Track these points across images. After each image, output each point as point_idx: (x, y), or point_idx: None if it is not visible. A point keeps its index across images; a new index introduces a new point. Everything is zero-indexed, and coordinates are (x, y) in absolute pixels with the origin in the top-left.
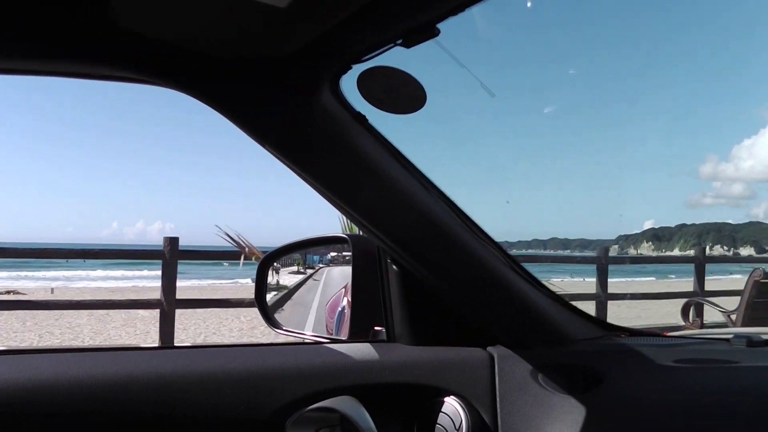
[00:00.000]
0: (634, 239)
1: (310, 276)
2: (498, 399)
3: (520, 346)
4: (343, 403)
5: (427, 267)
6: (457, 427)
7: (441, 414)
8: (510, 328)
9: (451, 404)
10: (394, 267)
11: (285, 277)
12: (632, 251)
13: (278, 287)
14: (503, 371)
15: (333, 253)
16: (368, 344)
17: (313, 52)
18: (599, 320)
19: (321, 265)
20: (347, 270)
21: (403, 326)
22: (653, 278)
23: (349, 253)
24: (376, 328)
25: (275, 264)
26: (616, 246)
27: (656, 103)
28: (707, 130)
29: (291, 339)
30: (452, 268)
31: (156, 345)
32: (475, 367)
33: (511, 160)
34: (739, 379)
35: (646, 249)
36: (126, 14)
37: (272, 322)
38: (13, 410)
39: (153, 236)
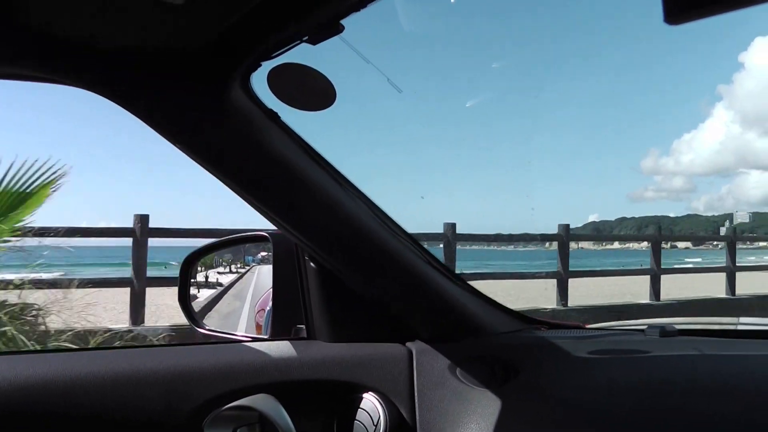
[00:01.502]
0: (574, 233)
1: (242, 275)
2: (416, 394)
3: (439, 340)
4: (260, 401)
5: (343, 264)
6: (375, 422)
7: (359, 410)
8: (429, 323)
9: (370, 400)
10: (312, 264)
11: (213, 277)
12: (573, 245)
13: (208, 285)
14: (421, 366)
15: (264, 253)
16: (287, 342)
17: (221, 48)
18: (519, 314)
19: (254, 264)
20: None
21: (323, 323)
22: None
23: None
24: (298, 325)
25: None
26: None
27: (594, 97)
28: (649, 124)
29: (212, 338)
30: (369, 264)
31: (71, 347)
32: (393, 363)
33: (451, 158)
34: (651, 369)
35: (587, 243)
36: (27, 12)
37: (196, 322)
38: None
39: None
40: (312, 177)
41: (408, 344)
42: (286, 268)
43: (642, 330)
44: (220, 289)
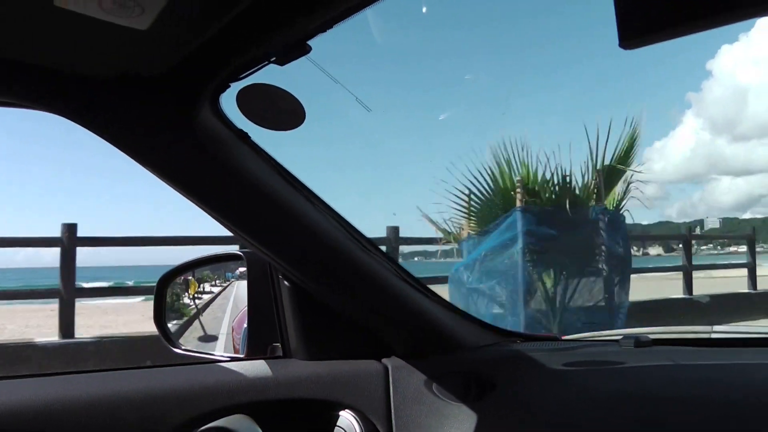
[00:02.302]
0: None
1: (220, 293)
2: (393, 410)
3: (414, 356)
4: (236, 422)
5: (316, 282)
6: None
7: (336, 428)
8: (404, 339)
9: (346, 418)
10: (286, 283)
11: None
12: None
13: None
14: (397, 382)
15: (242, 269)
16: (263, 361)
17: (187, 71)
18: (494, 327)
19: (232, 280)
20: None
21: (298, 341)
22: None
23: None
24: (274, 344)
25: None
26: None
27: (563, 108)
28: (618, 131)
29: (186, 359)
30: (342, 281)
31: (38, 372)
32: (369, 380)
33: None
34: (625, 379)
35: None
36: None
37: (171, 342)
38: None
39: (46, 259)
40: (283, 195)
41: (384, 360)
42: (260, 287)
43: (617, 341)
44: (201, 305)
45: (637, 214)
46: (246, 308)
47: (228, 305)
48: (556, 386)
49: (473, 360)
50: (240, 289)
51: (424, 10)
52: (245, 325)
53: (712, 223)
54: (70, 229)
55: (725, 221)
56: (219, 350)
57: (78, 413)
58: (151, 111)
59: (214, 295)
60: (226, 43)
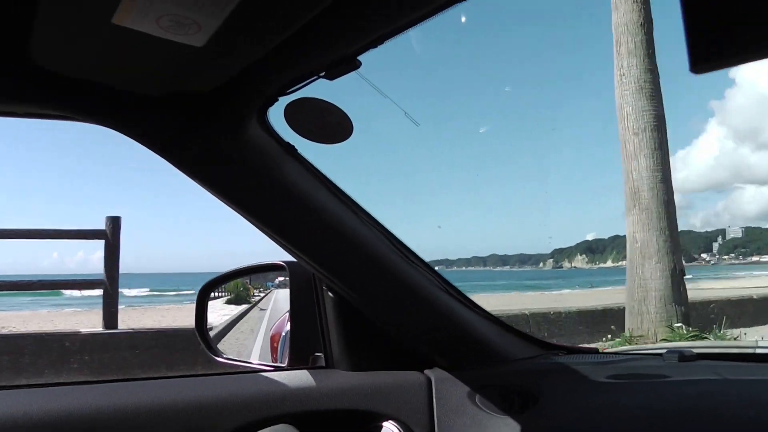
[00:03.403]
0: (568, 252)
1: (259, 301)
2: (436, 422)
3: (457, 368)
4: None
5: (360, 293)
6: None
7: None
8: (446, 351)
9: (390, 429)
10: (330, 294)
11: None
12: (567, 264)
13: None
14: (440, 394)
15: (281, 278)
16: (306, 371)
17: (237, 86)
18: (536, 339)
19: (272, 288)
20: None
21: (341, 352)
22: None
23: None
24: (316, 354)
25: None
26: (551, 260)
27: (586, 115)
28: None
29: (230, 368)
30: (386, 293)
31: (90, 379)
32: (412, 391)
33: (447, 185)
34: (670, 394)
35: (580, 262)
36: (46, 53)
37: (213, 351)
38: None
39: (94, 265)
40: (329, 208)
41: (426, 372)
42: (303, 297)
43: (660, 354)
44: (235, 314)
45: None
46: (284, 317)
47: (266, 313)
48: (600, 400)
49: (516, 372)
50: (278, 297)
51: (463, 19)
52: (284, 333)
53: (734, 232)
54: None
55: (747, 230)
56: (255, 357)
57: (122, 422)
58: (200, 125)
59: (252, 303)
60: (277, 59)
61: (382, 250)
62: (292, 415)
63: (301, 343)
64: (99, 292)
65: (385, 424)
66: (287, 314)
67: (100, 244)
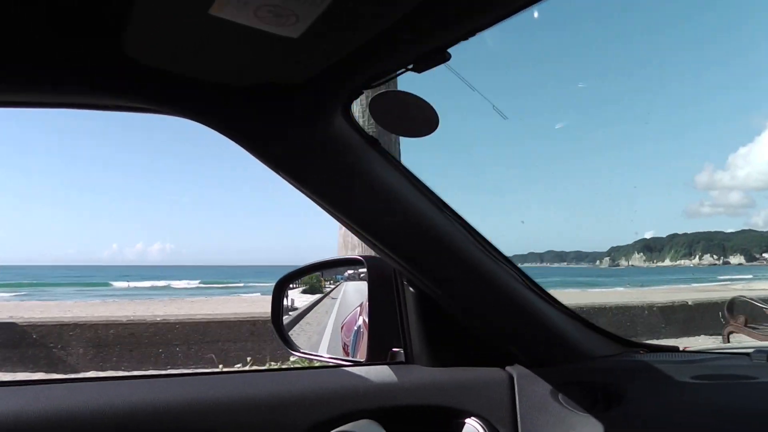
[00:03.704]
0: (625, 251)
1: (328, 293)
2: (519, 419)
3: (538, 364)
4: (363, 427)
5: (442, 288)
6: None
7: None
8: (528, 347)
9: (472, 425)
10: (411, 289)
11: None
12: (624, 262)
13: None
14: (523, 391)
15: (350, 271)
16: (386, 366)
17: (326, 79)
18: (617, 337)
19: (341, 281)
20: (362, 286)
21: (421, 347)
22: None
23: (364, 270)
24: (394, 349)
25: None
26: (608, 258)
27: (651, 114)
28: (702, 139)
29: (309, 362)
30: (468, 288)
31: (174, 372)
32: (494, 388)
33: (507, 178)
34: (757, 395)
35: (637, 260)
36: (138, 46)
37: (290, 345)
38: None
39: (153, 256)
40: (412, 202)
41: (508, 368)
42: (381, 293)
43: (747, 354)
44: (313, 299)
45: (722, 222)
46: (356, 311)
47: (336, 302)
48: (685, 400)
49: (599, 370)
50: (347, 289)
51: (535, 14)
52: (355, 328)
53: None
54: None
55: None
56: (323, 350)
57: (206, 413)
58: (286, 118)
59: (325, 293)
60: (367, 51)
61: (464, 244)
62: (373, 410)
63: (379, 339)
64: (147, 284)
65: (467, 420)
66: (358, 308)
67: (158, 235)
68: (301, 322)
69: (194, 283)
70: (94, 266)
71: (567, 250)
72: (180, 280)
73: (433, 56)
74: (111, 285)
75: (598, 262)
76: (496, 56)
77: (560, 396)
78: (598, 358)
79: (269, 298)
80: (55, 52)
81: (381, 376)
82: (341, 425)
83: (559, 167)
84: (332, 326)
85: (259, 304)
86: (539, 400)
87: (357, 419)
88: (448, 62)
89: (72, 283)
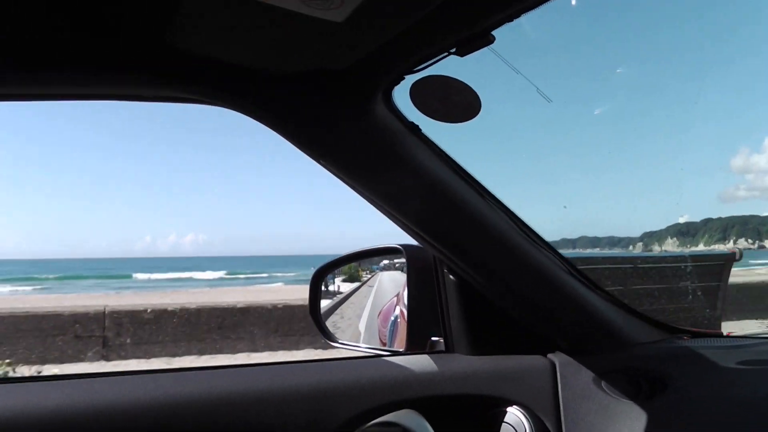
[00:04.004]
0: (658, 236)
1: (367, 280)
2: (561, 407)
3: (580, 351)
4: (405, 417)
5: (484, 275)
6: None
7: (504, 424)
8: (569, 334)
9: (515, 414)
10: (451, 277)
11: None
12: (657, 248)
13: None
14: (565, 378)
15: (386, 261)
16: (427, 356)
17: (368, 64)
18: (659, 323)
19: (377, 271)
20: (397, 275)
21: (462, 336)
22: None
23: (401, 260)
24: (433, 338)
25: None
26: (641, 243)
27: (682, 97)
28: (736, 122)
29: (348, 353)
30: (510, 275)
31: (213, 365)
32: (536, 376)
33: (544, 164)
34: None
35: (670, 245)
36: (183, 35)
37: (328, 335)
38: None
39: (186, 248)
40: (453, 188)
41: (549, 356)
42: (420, 281)
43: None
44: (354, 286)
45: (759, 205)
46: (392, 302)
47: (372, 289)
48: (731, 386)
49: (642, 357)
50: (383, 279)
51: (573, 2)
52: (392, 318)
53: None
54: None
55: None
56: (361, 336)
57: (248, 405)
58: (327, 104)
59: (362, 281)
60: (410, 36)
61: (506, 230)
62: (414, 399)
63: (419, 328)
64: (170, 275)
65: (509, 409)
66: (395, 299)
67: (191, 227)
68: (341, 307)
69: (219, 274)
70: (129, 258)
71: (600, 235)
72: (205, 271)
73: (477, 39)
74: (132, 277)
75: (631, 248)
76: (536, 40)
77: (603, 383)
78: (641, 345)
79: (288, 288)
80: (98, 44)
81: (421, 366)
82: (383, 415)
83: (596, 153)
84: (369, 313)
85: (264, 294)
86: (582, 387)
87: (398, 409)
88: (492, 45)
89: (97, 276)
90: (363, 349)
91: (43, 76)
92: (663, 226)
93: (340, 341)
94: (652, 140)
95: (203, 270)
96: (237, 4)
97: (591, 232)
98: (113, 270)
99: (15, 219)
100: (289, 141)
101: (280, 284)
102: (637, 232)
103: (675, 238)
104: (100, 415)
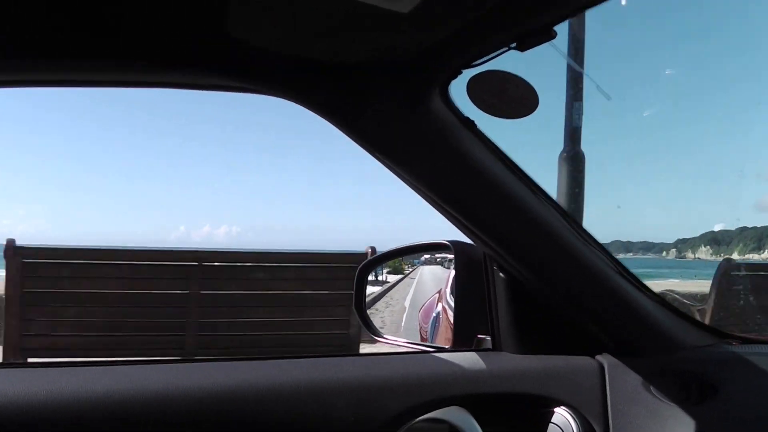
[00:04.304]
0: (692, 243)
1: (408, 274)
2: (609, 409)
3: (628, 353)
4: (452, 414)
5: (535, 273)
6: None
7: (551, 425)
8: (618, 335)
9: (562, 414)
10: (501, 274)
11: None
12: (690, 255)
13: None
14: (614, 380)
15: (426, 256)
16: (474, 353)
17: (428, 57)
18: (709, 327)
19: (418, 265)
20: (437, 270)
21: (509, 334)
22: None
23: (440, 255)
24: (479, 336)
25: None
26: (674, 249)
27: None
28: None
29: (395, 348)
30: (561, 273)
31: (264, 356)
32: (584, 376)
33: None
34: None
35: (704, 253)
36: (244, 25)
37: (373, 330)
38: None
39: (220, 239)
40: (507, 185)
41: (597, 357)
42: (468, 277)
43: None
44: (398, 278)
45: None
46: (433, 298)
47: (414, 281)
48: None
49: (692, 360)
50: (423, 272)
51: (623, 1)
52: (433, 314)
53: None
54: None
55: None
56: (400, 335)
57: (298, 396)
58: (383, 97)
59: (405, 274)
60: (472, 29)
61: (559, 229)
62: (461, 397)
63: (465, 325)
64: None
65: (556, 409)
66: (436, 295)
67: (225, 218)
68: (390, 292)
69: None
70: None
71: (633, 240)
72: None
73: (538, 34)
74: None
75: (664, 254)
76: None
77: (652, 387)
78: (691, 349)
79: None
80: (162, 33)
81: (469, 363)
82: (430, 411)
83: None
84: (411, 297)
85: None
86: (631, 390)
87: (445, 406)
88: (552, 40)
89: None
90: (408, 344)
91: (113, 65)
92: (697, 234)
93: (385, 336)
94: (691, 146)
95: None
96: None
97: (624, 236)
98: None
99: (51, 206)
100: (345, 132)
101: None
102: (670, 238)
103: (708, 246)
104: (147, 401)
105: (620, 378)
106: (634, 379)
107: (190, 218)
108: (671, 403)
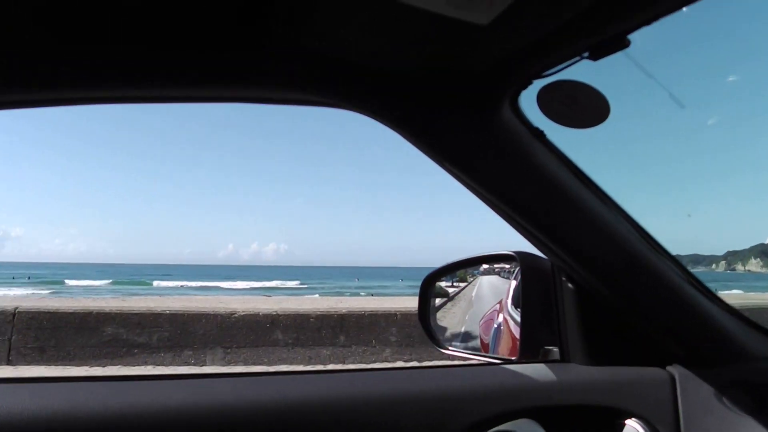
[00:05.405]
0: (741, 255)
1: (471, 282)
2: (682, 421)
3: (700, 364)
4: (524, 426)
5: (607, 284)
6: None
7: None
8: (689, 346)
9: (633, 426)
10: (569, 285)
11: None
12: (740, 267)
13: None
14: (686, 391)
15: (485, 266)
16: (543, 365)
17: (501, 68)
18: None
19: (476, 275)
20: (495, 280)
21: (578, 345)
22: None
23: (499, 266)
24: (547, 347)
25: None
26: (724, 262)
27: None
28: None
29: (460, 360)
30: (631, 283)
31: (334, 368)
32: (655, 388)
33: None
34: None
35: (754, 265)
36: (319, 37)
37: (438, 343)
38: None
39: (268, 256)
40: (577, 195)
41: (668, 368)
42: (535, 288)
43: None
44: (464, 285)
45: None
46: (494, 309)
47: (473, 289)
48: None
49: (765, 371)
50: (482, 283)
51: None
52: (495, 326)
53: None
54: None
55: None
56: (459, 347)
57: (373, 408)
58: (454, 107)
59: (468, 282)
60: (546, 39)
61: (629, 239)
62: (531, 409)
63: (532, 336)
64: (195, 283)
65: (627, 421)
66: (497, 306)
67: (272, 237)
68: (448, 304)
69: (251, 284)
70: (207, 266)
71: (683, 253)
72: (236, 281)
73: (612, 43)
74: (151, 284)
75: (714, 266)
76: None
77: (725, 398)
78: (764, 359)
79: (314, 297)
80: (234, 45)
81: (538, 375)
82: (500, 424)
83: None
84: (474, 300)
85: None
86: (703, 401)
87: (515, 418)
88: (626, 49)
89: (117, 281)
90: (475, 356)
91: (191, 80)
92: (747, 246)
93: (450, 348)
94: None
95: (248, 280)
96: (377, 5)
97: (675, 250)
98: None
99: (102, 225)
100: (413, 143)
101: (316, 295)
102: (720, 250)
103: (758, 259)
104: (218, 415)
105: (692, 389)
106: (706, 390)
107: (239, 237)
108: (745, 415)
